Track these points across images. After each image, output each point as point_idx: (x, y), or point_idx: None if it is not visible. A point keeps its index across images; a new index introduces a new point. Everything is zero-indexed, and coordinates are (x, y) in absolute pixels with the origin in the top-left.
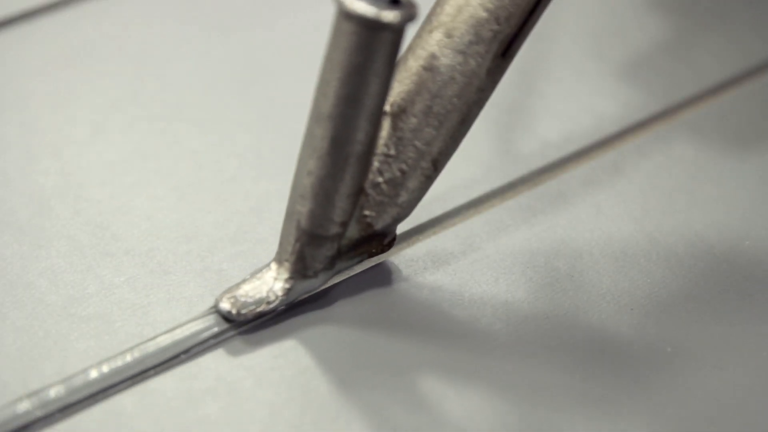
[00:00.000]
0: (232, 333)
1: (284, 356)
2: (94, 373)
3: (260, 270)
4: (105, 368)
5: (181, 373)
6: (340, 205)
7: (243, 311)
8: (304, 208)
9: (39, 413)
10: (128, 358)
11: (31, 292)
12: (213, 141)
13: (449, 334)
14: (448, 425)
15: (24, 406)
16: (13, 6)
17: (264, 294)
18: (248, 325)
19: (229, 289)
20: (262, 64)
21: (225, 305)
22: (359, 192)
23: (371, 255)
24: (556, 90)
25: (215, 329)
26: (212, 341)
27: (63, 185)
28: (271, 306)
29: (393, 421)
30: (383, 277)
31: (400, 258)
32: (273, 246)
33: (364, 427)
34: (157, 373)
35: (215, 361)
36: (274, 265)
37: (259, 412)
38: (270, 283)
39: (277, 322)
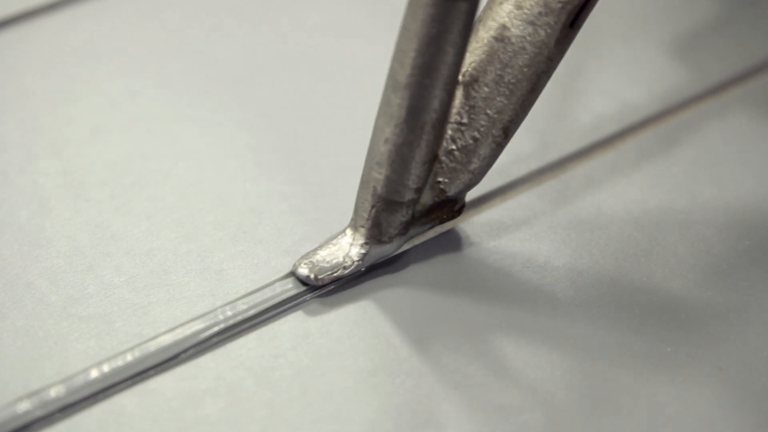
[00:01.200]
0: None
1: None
2: (94, 373)
3: (335, 236)
4: (105, 368)
5: (182, 373)
6: (415, 171)
7: (320, 276)
8: (380, 175)
9: (39, 413)
10: (128, 358)
11: (31, 292)
12: (213, 141)
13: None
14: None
15: (24, 406)
16: (13, 6)
17: (340, 259)
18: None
19: (306, 255)
20: (262, 64)
21: (303, 270)
22: (434, 159)
23: (442, 221)
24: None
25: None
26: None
27: (63, 185)
28: (348, 271)
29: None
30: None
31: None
32: (273, 246)
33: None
34: (157, 373)
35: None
36: (349, 231)
37: (258, 412)
38: (346, 249)
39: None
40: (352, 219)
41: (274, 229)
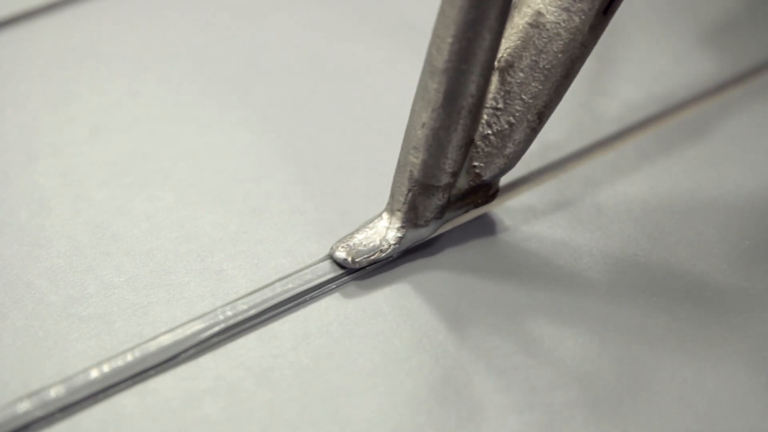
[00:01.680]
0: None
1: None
2: (94, 373)
3: (372, 220)
4: (105, 368)
5: (182, 373)
6: (452, 155)
7: (357, 259)
8: (417, 159)
9: (39, 413)
10: (128, 358)
11: (31, 292)
12: (213, 141)
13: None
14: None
15: (24, 406)
16: (13, 6)
17: (377, 243)
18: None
19: (343, 239)
20: (262, 64)
21: (341, 254)
22: (470, 143)
23: (476, 206)
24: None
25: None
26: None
27: (63, 185)
28: (384, 254)
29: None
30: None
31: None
32: (273, 246)
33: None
34: (157, 373)
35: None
36: (385, 215)
37: (258, 412)
38: (382, 233)
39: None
40: (389, 203)
41: (274, 229)
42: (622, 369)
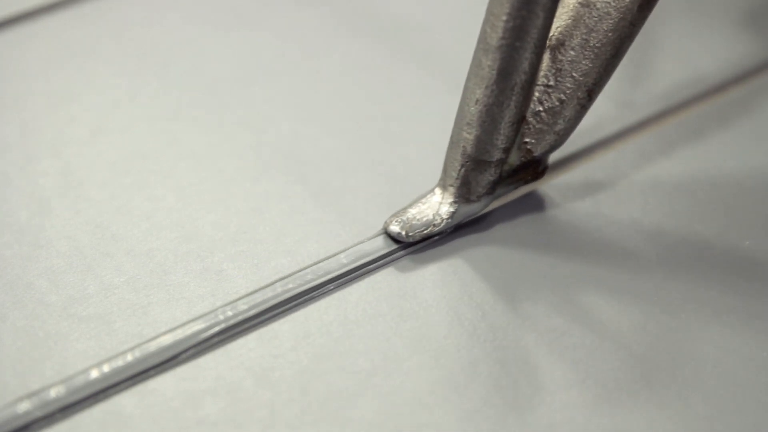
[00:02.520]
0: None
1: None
2: (94, 373)
3: (424, 195)
4: (105, 368)
5: (182, 373)
6: (504, 131)
7: (411, 233)
8: (470, 135)
9: (39, 413)
10: (128, 358)
11: (31, 292)
12: (213, 141)
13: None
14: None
15: (24, 406)
16: (13, 6)
17: (430, 217)
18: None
19: (397, 213)
20: (261, 64)
21: (395, 228)
22: (522, 120)
23: (526, 182)
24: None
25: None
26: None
27: (63, 185)
28: (437, 229)
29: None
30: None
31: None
32: (273, 246)
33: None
34: (157, 373)
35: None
36: (438, 191)
37: (258, 412)
38: (435, 207)
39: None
40: (441, 178)
41: (274, 229)
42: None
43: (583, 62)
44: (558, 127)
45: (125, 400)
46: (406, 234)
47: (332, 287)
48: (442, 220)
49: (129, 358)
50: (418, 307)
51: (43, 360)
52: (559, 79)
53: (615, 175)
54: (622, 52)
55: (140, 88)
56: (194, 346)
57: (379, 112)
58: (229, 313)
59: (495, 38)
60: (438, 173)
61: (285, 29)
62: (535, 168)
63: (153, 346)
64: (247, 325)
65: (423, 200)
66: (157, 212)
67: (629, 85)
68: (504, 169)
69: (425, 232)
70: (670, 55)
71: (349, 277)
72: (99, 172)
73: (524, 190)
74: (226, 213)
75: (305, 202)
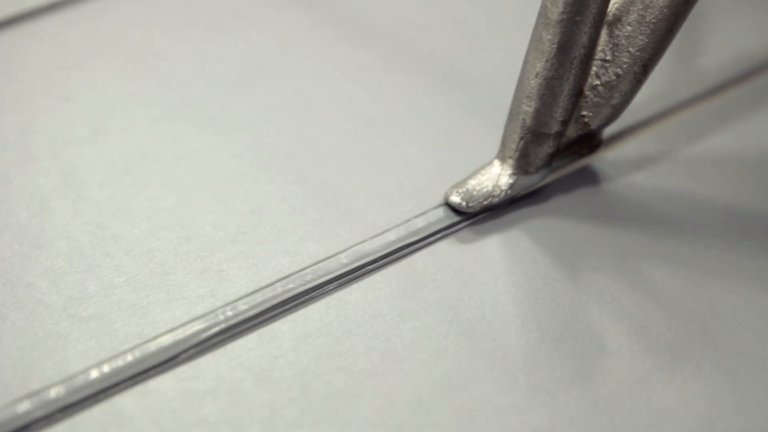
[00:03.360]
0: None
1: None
2: (94, 374)
3: (483, 167)
4: (105, 368)
5: (182, 373)
6: (563, 104)
7: (471, 204)
8: (530, 108)
9: (39, 413)
10: (128, 358)
11: (31, 292)
12: (213, 141)
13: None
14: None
15: (24, 406)
16: (13, 6)
17: (490, 188)
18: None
19: (457, 185)
20: (261, 64)
21: (456, 198)
22: (580, 93)
23: (582, 156)
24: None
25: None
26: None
27: (63, 185)
28: (497, 200)
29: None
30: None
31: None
32: (273, 246)
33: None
34: (157, 374)
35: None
36: (497, 162)
37: (258, 412)
38: (495, 179)
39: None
40: (500, 151)
41: (274, 229)
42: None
43: (639, 37)
44: (614, 101)
45: (125, 400)
46: (467, 204)
47: (332, 287)
48: (502, 191)
49: (129, 358)
50: (417, 307)
51: (43, 360)
52: (616, 53)
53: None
54: (677, 28)
55: (140, 88)
56: (194, 346)
57: (379, 112)
58: (229, 313)
59: (556, 13)
60: (439, 172)
61: (285, 29)
62: (590, 142)
63: (153, 346)
64: (247, 325)
65: (482, 172)
66: (157, 212)
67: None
68: (561, 142)
69: (485, 203)
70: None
71: (349, 277)
72: (99, 172)
73: (579, 164)
74: (226, 213)
75: (305, 202)
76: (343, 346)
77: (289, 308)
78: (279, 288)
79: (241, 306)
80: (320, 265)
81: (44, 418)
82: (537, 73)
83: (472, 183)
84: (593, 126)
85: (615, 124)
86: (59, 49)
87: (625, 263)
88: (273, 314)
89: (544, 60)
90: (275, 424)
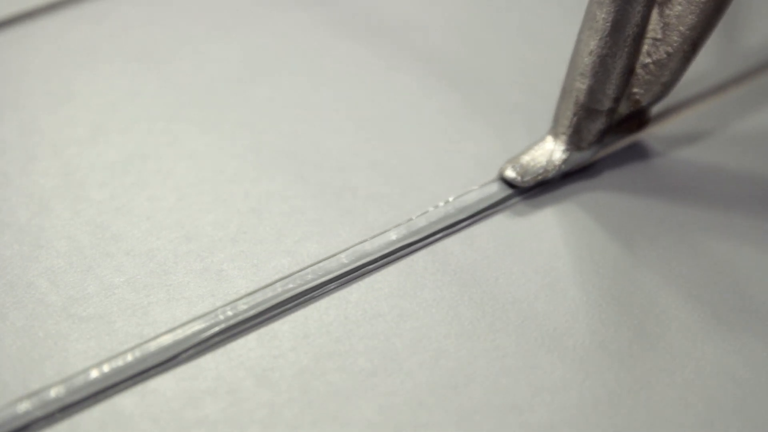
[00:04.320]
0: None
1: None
2: (94, 373)
3: (536, 143)
4: (105, 368)
5: (182, 373)
6: (615, 81)
7: (526, 178)
8: (583, 85)
9: (39, 413)
10: (128, 358)
11: (31, 292)
12: (213, 141)
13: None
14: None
15: (24, 407)
16: (13, 6)
17: (543, 163)
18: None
19: (511, 159)
20: (261, 63)
21: (510, 173)
22: (632, 71)
23: (631, 132)
24: None
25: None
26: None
27: (63, 185)
28: (550, 174)
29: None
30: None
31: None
32: (273, 246)
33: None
34: (157, 373)
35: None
36: (550, 138)
37: (258, 412)
38: (548, 154)
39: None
40: (552, 127)
41: (274, 229)
42: None
43: (689, 17)
44: (664, 79)
45: (125, 400)
46: (521, 179)
47: (333, 287)
48: (555, 166)
49: (129, 358)
50: (417, 306)
51: (43, 360)
52: (666, 32)
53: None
54: (725, 7)
55: (140, 88)
56: (194, 346)
57: (379, 111)
58: (229, 313)
59: None
60: (440, 171)
61: (285, 29)
62: (639, 118)
63: (153, 346)
64: (247, 325)
65: (535, 148)
66: (157, 212)
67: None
68: (612, 119)
69: (539, 177)
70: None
71: (349, 276)
72: (99, 172)
73: (629, 140)
74: (226, 213)
75: (305, 202)
76: (343, 346)
77: (289, 308)
78: (279, 288)
79: (241, 306)
80: (320, 264)
81: (44, 418)
82: (591, 51)
83: (526, 158)
84: (644, 103)
85: (663, 102)
86: (59, 49)
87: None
88: (273, 314)
89: (597, 38)
90: (275, 424)
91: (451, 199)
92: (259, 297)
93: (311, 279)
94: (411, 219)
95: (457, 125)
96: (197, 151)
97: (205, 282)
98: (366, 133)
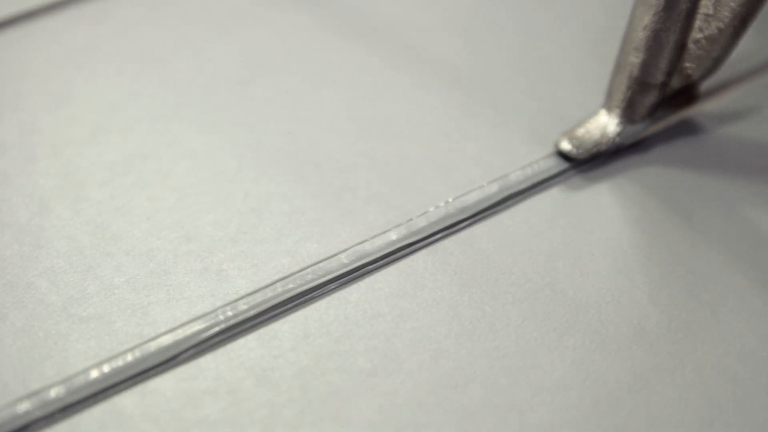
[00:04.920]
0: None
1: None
2: (94, 374)
3: (590, 117)
4: (105, 368)
5: (182, 373)
6: (668, 56)
7: (581, 151)
8: (637, 59)
9: (39, 413)
10: (128, 358)
11: (31, 292)
12: (213, 141)
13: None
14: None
15: (24, 407)
16: (13, 6)
17: (598, 136)
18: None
19: (566, 133)
20: (262, 64)
21: (566, 145)
22: (684, 46)
23: (681, 107)
24: None
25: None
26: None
27: (63, 185)
28: (605, 147)
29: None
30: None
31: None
32: (273, 246)
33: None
34: (157, 374)
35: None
36: (603, 112)
37: (258, 412)
38: (602, 128)
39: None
40: (606, 101)
41: (274, 229)
42: None
43: None
44: (715, 54)
45: (125, 400)
46: (577, 151)
47: (333, 287)
48: (609, 139)
49: (129, 358)
50: (417, 307)
51: (43, 360)
52: (717, 8)
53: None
54: None
55: (140, 88)
56: (194, 346)
57: (379, 111)
58: (229, 313)
59: None
60: (441, 173)
61: (285, 29)
62: (690, 94)
63: (153, 346)
64: (247, 325)
65: (590, 121)
66: (157, 212)
67: None
68: (665, 93)
69: (593, 150)
70: None
71: (349, 277)
72: (99, 172)
73: (679, 115)
74: (226, 213)
75: (305, 202)
76: (343, 346)
77: (289, 308)
78: (279, 288)
79: (241, 306)
80: (320, 265)
81: (44, 418)
82: (645, 26)
83: (581, 131)
84: (695, 77)
85: (712, 79)
86: (59, 49)
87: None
88: (273, 314)
89: (652, 13)
90: (275, 424)
91: (450, 199)
92: (259, 297)
93: (311, 279)
94: (411, 219)
95: (457, 125)
96: (197, 151)
97: (205, 282)
98: (366, 133)
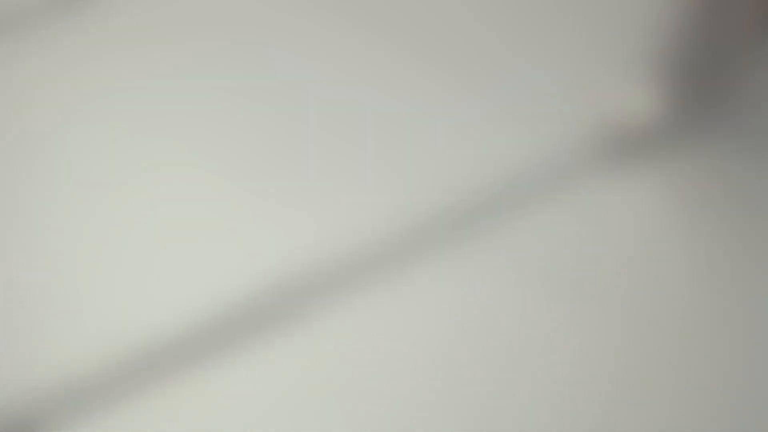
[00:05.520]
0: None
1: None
2: (94, 373)
3: (631, 103)
4: (105, 368)
5: (184, 374)
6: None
7: (623, 136)
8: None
9: (39, 413)
10: (130, 357)
11: (31, 292)
12: (215, 141)
13: None
14: None
15: (24, 406)
16: (13, 6)
17: (640, 123)
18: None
19: (608, 116)
20: (262, 64)
21: (609, 129)
22: None
23: (725, 99)
24: None
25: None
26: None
27: (63, 185)
28: (646, 133)
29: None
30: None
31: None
32: (273, 245)
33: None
34: (159, 374)
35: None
36: (645, 97)
37: (259, 412)
38: (644, 113)
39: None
40: (648, 88)
41: (275, 224)
42: None
43: None
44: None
45: (127, 401)
46: (620, 136)
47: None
48: (651, 126)
49: (131, 357)
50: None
51: (43, 360)
52: None
53: None
54: None
55: (140, 88)
56: (194, 346)
57: (380, 111)
58: (228, 315)
59: None
60: (440, 171)
61: (285, 29)
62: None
63: (153, 346)
64: (245, 328)
65: (630, 107)
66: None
67: None
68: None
69: (636, 136)
70: None
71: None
72: (99, 174)
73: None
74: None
75: (309, 202)
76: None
77: (289, 309)
78: (279, 288)
79: (239, 309)
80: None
81: (44, 417)
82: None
83: (623, 117)
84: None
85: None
86: (59, 49)
87: None
88: (273, 315)
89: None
90: (275, 424)
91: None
92: (259, 297)
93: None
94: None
95: (462, 123)
96: (197, 151)
97: (206, 282)
98: (366, 132)
